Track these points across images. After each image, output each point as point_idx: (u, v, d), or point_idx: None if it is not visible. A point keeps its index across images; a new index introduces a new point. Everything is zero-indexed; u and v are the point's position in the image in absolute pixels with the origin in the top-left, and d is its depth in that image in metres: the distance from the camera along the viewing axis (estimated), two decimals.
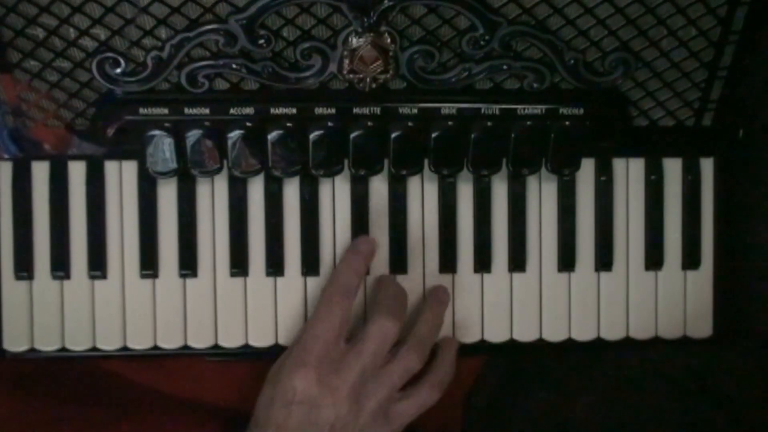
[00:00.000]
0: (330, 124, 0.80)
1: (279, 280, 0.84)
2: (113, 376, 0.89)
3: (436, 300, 0.84)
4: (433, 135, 0.81)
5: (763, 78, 0.83)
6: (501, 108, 0.81)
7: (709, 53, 0.80)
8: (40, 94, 0.78)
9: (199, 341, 0.85)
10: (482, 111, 0.81)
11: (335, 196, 0.84)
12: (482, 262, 0.86)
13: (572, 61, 0.79)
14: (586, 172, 0.86)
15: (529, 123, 0.82)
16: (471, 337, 0.87)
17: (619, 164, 0.87)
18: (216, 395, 0.90)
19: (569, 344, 0.88)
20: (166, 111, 0.79)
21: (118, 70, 0.77)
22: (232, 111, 0.80)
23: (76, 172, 0.83)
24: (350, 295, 0.79)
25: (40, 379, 0.87)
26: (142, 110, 0.79)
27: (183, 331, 0.84)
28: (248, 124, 0.80)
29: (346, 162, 0.82)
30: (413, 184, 0.85)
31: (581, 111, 0.82)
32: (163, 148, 0.79)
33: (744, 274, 0.89)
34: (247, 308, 0.84)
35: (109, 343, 0.84)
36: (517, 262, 0.86)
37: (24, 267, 0.83)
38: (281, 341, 0.84)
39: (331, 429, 0.74)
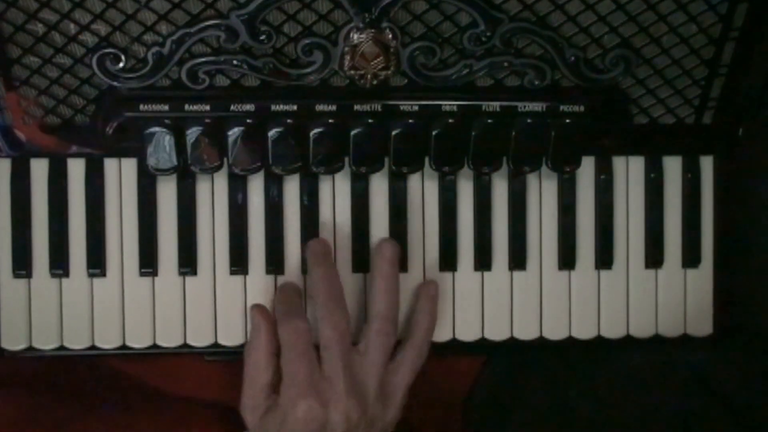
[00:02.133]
0: (330, 121, 0.80)
1: (279, 278, 0.84)
2: (113, 374, 0.89)
3: (379, 266, 0.83)
4: (434, 132, 0.81)
5: (764, 76, 0.83)
6: (502, 105, 0.81)
7: (709, 50, 0.80)
8: (39, 90, 0.78)
9: (199, 340, 0.84)
10: (483, 108, 0.81)
11: (335, 193, 0.84)
12: (482, 260, 0.86)
13: (573, 58, 0.79)
14: (587, 170, 0.86)
15: (529, 120, 0.81)
16: (471, 335, 0.87)
17: (619, 162, 0.87)
18: (215, 394, 0.89)
19: (569, 342, 0.87)
20: (166, 108, 0.79)
21: (119, 66, 0.76)
22: (232, 108, 0.79)
23: (76, 169, 0.82)
24: (301, 313, 0.80)
25: (40, 378, 0.87)
26: (142, 107, 0.79)
27: (182, 329, 0.84)
28: (249, 121, 0.79)
29: (346, 159, 0.82)
30: (414, 182, 0.85)
31: (582, 108, 0.82)
32: (163, 145, 0.79)
33: (744, 272, 0.89)
34: (246, 306, 0.84)
35: (108, 342, 0.84)
36: (518, 260, 0.86)
37: (22, 265, 0.82)
38: None
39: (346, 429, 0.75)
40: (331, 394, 0.75)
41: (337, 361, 0.76)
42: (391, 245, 0.82)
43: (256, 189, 0.83)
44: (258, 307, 0.81)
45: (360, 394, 0.76)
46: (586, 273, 0.87)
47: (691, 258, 0.88)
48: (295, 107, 0.80)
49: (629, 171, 0.87)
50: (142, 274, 0.83)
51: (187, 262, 0.83)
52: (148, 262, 0.83)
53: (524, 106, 0.81)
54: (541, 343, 0.87)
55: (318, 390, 0.75)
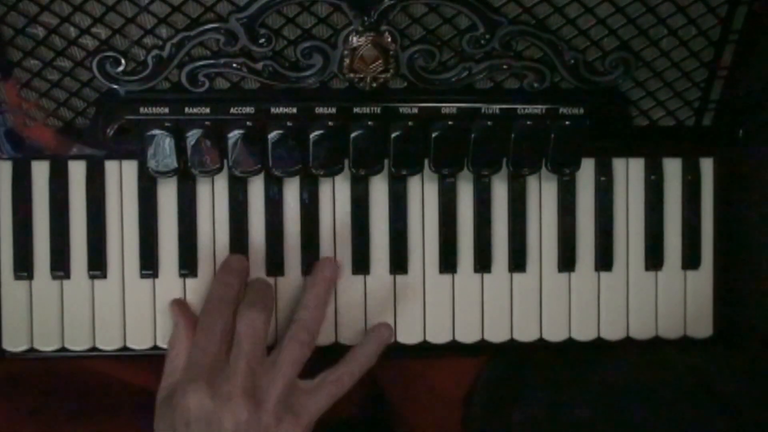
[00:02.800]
0: (330, 123, 0.80)
1: (279, 279, 0.84)
2: (113, 377, 0.89)
3: (316, 281, 0.82)
4: (433, 135, 0.81)
5: (763, 78, 0.83)
6: (501, 107, 0.81)
7: (709, 53, 0.80)
8: (40, 92, 0.78)
9: None
10: (482, 110, 0.81)
11: (335, 196, 0.84)
12: (482, 262, 0.86)
13: (572, 61, 0.79)
14: (586, 172, 0.86)
15: (529, 122, 0.82)
16: (471, 337, 0.87)
17: (619, 164, 0.87)
18: None
19: (569, 344, 0.88)
20: (166, 110, 0.79)
21: (119, 69, 0.77)
22: (232, 110, 0.79)
23: (76, 171, 0.83)
24: (227, 305, 0.78)
25: (40, 381, 0.87)
26: (142, 109, 0.79)
27: None
28: (248, 123, 0.80)
29: (346, 162, 0.82)
30: (413, 184, 0.85)
31: (581, 111, 0.82)
32: (163, 148, 0.79)
33: (744, 274, 0.89)
34: None
35: (108, 343, 0.84)
36: (518, 262, 0.86)
37: (24, 267, 0.83)
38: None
39: None
40: (225, 390, 0.73)
41: (241, 359, 0.74)
42: (332, 263, 0.83)
43: (256, 191, 0.84)
44: (176, 302, 0.82)
45: (257, 399, 0.74)
46: (586, 275, 0.87)
47: (691, 260, 0.88)
48: (294, 110, 0.80)
49: (629, 173, 0.87)
50: (142, 276, 0.84)
51: (188, 264, 0.84)
52: (149, 264, 0.83)
53: (524, 109, 0.81)
54: (541, 344, 0.87)
55: (213, 381, 0.73)
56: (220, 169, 0.81)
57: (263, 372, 0.75)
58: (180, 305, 0.81)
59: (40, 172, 0.83)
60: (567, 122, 0.82)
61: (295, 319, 0.79)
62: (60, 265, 0.83)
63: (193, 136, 0.80)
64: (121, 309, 0.84)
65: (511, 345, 0.87)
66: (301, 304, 0.80)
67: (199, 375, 0.74)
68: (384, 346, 0.82)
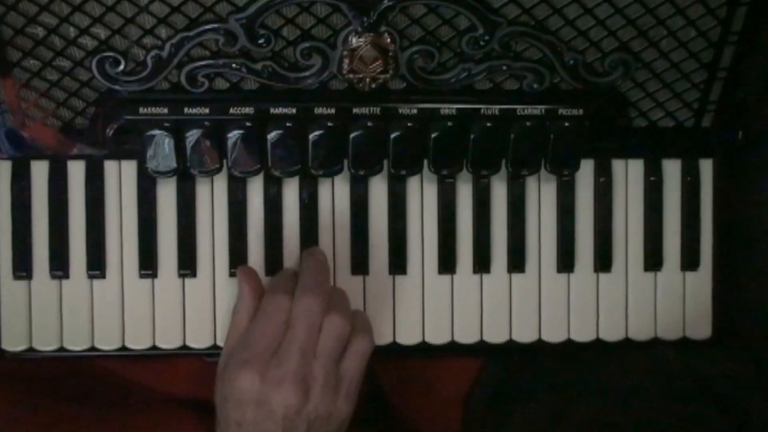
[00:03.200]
0: (329, 124, 0.80)
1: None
2: (112, 376, 0.89)
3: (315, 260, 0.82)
4: (433, 135, 0.81)
5: (763, 79, 0.83)
6: (500, 108, 0.81)
7: (708, 54, 0.80)
8: (39, 92, 0.78)
9: (198, 341, 0.85)
10: (482, 111, 0.81)
11: (335, 196, 0.84)
12: (481, 263, 0.86)
13: (572, 62, 0.79)
14: (586, 173, 0.86)
15: (528, 123, 0.82)
16: (470, 337, 0.87)
17: (618, 165, 0.87)
18: (209, 394, 0.89)
19: (568, 345, 0.88)
20: (165, 110, 0.79)
21: (118, 69, 0.77)
22: (231, 111, 0.79)
23: (76, 171, 0.83)
24: (286, 291, 0.77)
25: (38, 379, 0.87)
26: (141, 110, 0.79)
27: (182, 331, 0.84)
28: (248, 123, 0.80)
29: (345, 162, 0.82)
30: (413, 185, 0.85)
31: (581, 112, 0.82)
32: (162, 148, 0.79)
33: (743, 276, 0.89)
34: None
35: (107, 343, 0.84)
36: (517, 262, 0.86)
37: (23, 266, 0.83)
38: None
39: (284, 419, 0.73)
40: (277, 375, 0.73)
41: (295, 344, 0.74)
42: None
43: (255, 192, 0.84)
44: (244, 270, 0.81)
45: (306, 383, 0.73)
46: (585, 276, 0.87)
47: (690, 261, 0.88)
48: (294, 110, 0.80)
49: (628, 174, 0.87)
50: (141, 276, 0.84)
51: (187, 264, 0.84)
52: (148, 264, 0.83)
53: (523, 110, 0.81)
54: (540, 345, 0.87)
55: (265, 364, 0.73)
56: (219, 170, 0.81)
57: (314, 356, 0.75)
58: (246, 272, 0.81)
59: (40, 171, 0.83)
60: (566, 123, 0.82)
61: (330, 302, 0.78)
62: (59, 265, 0.83)
63: (192, 136, 0.80)
64: (120, 309, 0.84)
65: (510, 346, 0.87)
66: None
67: (253, 357, 0.74)
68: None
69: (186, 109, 0.79)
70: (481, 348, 0.87)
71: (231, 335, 0.78)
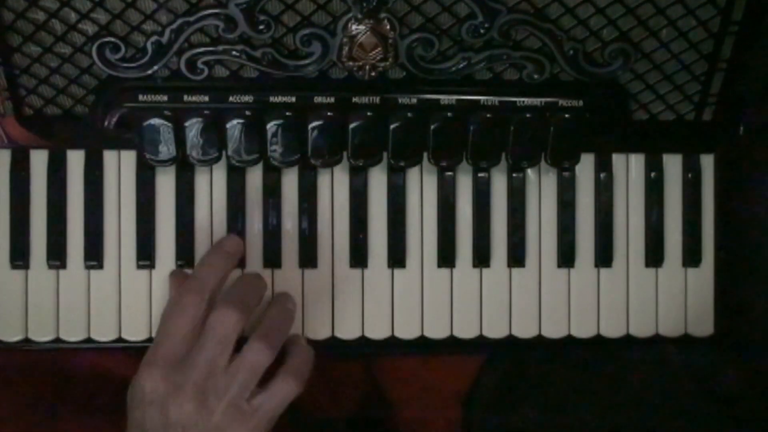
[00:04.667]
0: (329, 113, 0.80)
1: (276, 272, 0.84)
2: (108, 369, 0.88)
3: (283, 296, 0.82)
4: (432, 126, 0.81)
5: (764, 72, 0.83)
6: (500, 100, 0.81)
7: (708, 45, 0.80)
8: (39, 79, 0.78)
9: None
10: (481, 102, 0.81)
11: (334, 187, 0.84)
12: (481, 257, 0.85)
13: (572, 52, 0.79)
14: (586, 168, 0.86)
15: (528, 115, 0.81)
16: (469, 332, 0.86)
17: (619, 160, 0.87)
18: None
19: (569, 341, 0.87)
20: (165, 98, 0.79)
21: (118, 56, 0.77)
22: (231, 99, 0.80)
23: (75, 161, 0.83)
24: (204, 291, 0.76)
25: (35, 372, 0.86)
26: (141, 97, 0.79)
27: None
28: (247, 112, 0.80)
29: (344, 153, 0.81)
30: (412, 176, 0.85)
31: (581, 103, 0.82)
32: (162, 137, 0.79)
33: (745, 272, 0.88)
34: None
35: (104, 334, 0.83)
36: (517, 257, 0.86)
37: (20, 256, 0.82)
38: None
39: (183, 429, 0.71)
40: (178, 380, 0.72)
41: (201, 355, 0.73)
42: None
43: (254, 181, 0.83)
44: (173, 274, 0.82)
45: (208, 397, 0.72)
46: (586, 271, 0.87)
47: (691, 257, 0.87)
48: (293, 99, 0.80)
49: (629, 169, 0.87)
50: (139, 267, 0.83)
51: (185, 255, 0.83)
52: (146, 255, 0.83)
53: (523, 101, 0.81)
54: (540, 341, 0.87)
55: (170, 368, 0.72)
56: (218, 159, 0.81)
57: (222, 373, 0.73)
58: (177, 276, 0.81)
59: (39, 161, 0.82)
60: (566, 115, 0.82)
61: (260, 327, 0.77)
62: (56, 255, 0.82)
63: (191, 124, 0.80)
64: (117, 300, 0.83)
65: (510, 341, 0.86)
66: (266, 313, 0.79)
67: (158, 358, 0.73)
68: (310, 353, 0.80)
69: (186, 97, 0.79)
70: (481, 343, 0.86)
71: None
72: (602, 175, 0.86)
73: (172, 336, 0.74)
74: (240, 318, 0.74)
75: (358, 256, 0.85)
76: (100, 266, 0.83)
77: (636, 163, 0.87)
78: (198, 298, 0.75)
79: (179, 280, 0.81)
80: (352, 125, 0.80)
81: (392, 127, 0.81)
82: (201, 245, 0.83)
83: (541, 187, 0.86)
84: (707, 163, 0.87)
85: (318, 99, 0.80)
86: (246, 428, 0.73)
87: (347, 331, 0.85)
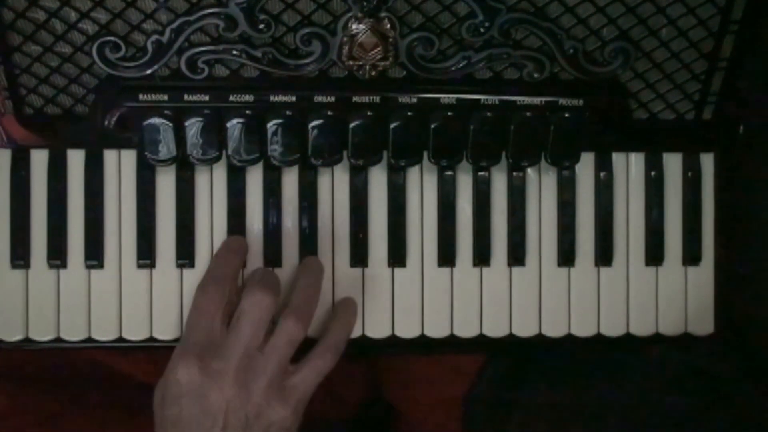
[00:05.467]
0: (329, 112, 0.80)
1: (276, 271, 0.84)
2: (104, 368, 0.88)
3: (309, 269, 0.82)
4: (432, 125, 0.81)
5: (764, 71, 0.83)
6: (500, 99, 0.81)
7: (708, 43, 0.80)
8: (40, 78, 0.78)
9: None
10: (482, 101, 0.81)
11: (334, 186, 0.84)
12: (481, 256, 0.85)
13: (572, 50, 0.79)
14: (586, 167, 0.86)
15: (528, 114, 0.81)
16: (469, 331, 0.86)
17: (619, 159, 0.87)
18: None
19: (569, 340, 0.87)
20: (165, 98, 0.79)
21: (119, 55, 0.77)
22: (231, 98, 0.80)
23: (75, 160, 0.82)
24: (224, 282, 0.77)
25: (34, 371, 0.87)
26: (141, 97, 0.79)
27: (179, 322, 0.83)
28: (248, 111, 0.80)
29: (345, 152, 0.81)
30: (412, 176, 0.85)
31: (581, 102, 0.82)
32: (162, 136, 0.79)
33: (745, 271, 0.88)
34: None
35: (104, 334, 0.83)
36: (517, 256, 0.86)
37: (20, 255, 0.82)
38: None
39: (225, 415, 0.72)
40: (217, 368, 0.73)
41: (240, 340, 0.74)
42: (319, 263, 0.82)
43: (254, 181, 0.83)
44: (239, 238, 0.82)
45: (248, 381, 0.73)
46: (586, 270, 0.87)
47: (691, 256, 0.87)
48: (293, 98, 0.80)
49: (629, 168, 0.87)
50: (139, 266, 0.83)
51: (185, 254, 0.83)
52: (146, 254, 0.83)
53: (523, 100, 0.81)
54: (540, 340, 0.86)
55: (205, 357, 0.73)
56: (218, 158, 0.81)
57: (258, 354, 0.74)
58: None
59: (39, 160, 0.82)
60: (566, 114, 0.82)
61: (290, 303, 0.78)
62: (57, 255, 0.82)
63: (192, 124, 0.80)
64: (117, 299, 0.83)
65: (510, 340, 0.86)
66: (295, 288, 0.80)
67: (191, 350, 0.73)
68: (354, 314, 0.82)
69: (186, 97, 0.79)
70: (481, 342, 0.86)
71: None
72: (602, 174, 0.86)
73: (200, 327, 0.75)
74: (273, 300, 0.76)
75: (359, 256, 0.85)
76: (101, 266, 0.83)
77: (636, 162, 0.87)
78: (219, 287, 0.77)
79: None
80: (352, 124, 0.80)
81: (392, 126, 0.81)
82: (201, 245, 0.83)
83: (541, 186, 0.86)
84: (707, 162, 0.87)
85: (318, 98, 0.80)
86: (286, 405, 0.74)
87: None
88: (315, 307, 0.80)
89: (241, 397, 0.72)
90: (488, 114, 0.81)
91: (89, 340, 0.83)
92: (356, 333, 0.84)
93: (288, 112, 0.80)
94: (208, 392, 0.71)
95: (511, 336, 0.86)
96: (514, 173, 0.85)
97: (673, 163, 0.87)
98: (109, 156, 0.83)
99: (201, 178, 0.83)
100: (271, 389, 0.73)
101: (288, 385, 0.75)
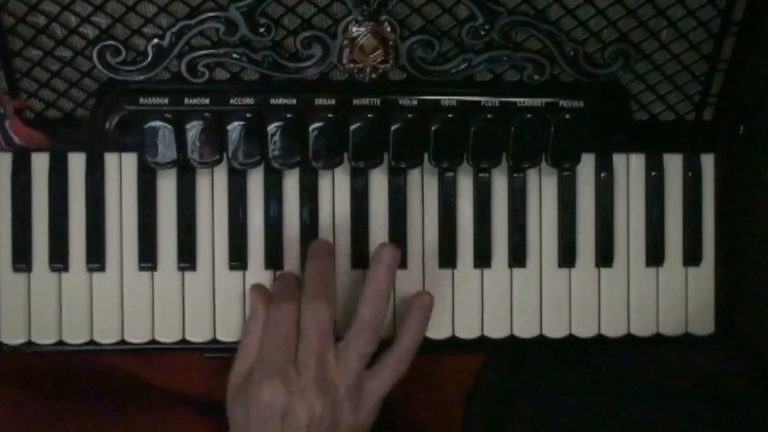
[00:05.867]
0: (330, 115, 0.80)
1: (278, 274, 0.84)
2: (107, 370, 0.88)
3: (375, 274, 0.80)
4: (433, 128, 0.81)
5: (764, 72, 0.83)
6: (501, 101, 0.81)
7: (709, 45, 0.80)
8: (40, 83, 0.78)
9: (198, 335, 0.84)
10: (482, 103, 0.81)
11: (335, 189, 0.84)
12: (482, 257, 0.86)
13: (572, 53, 0.79)
14: (587, 168, 0.86)
15: (528, 116, 0.81)
16: (471, 333, 0.86)
17: (619, 160, 0.87)
18: (208, 389, 0.89)
19: (570, 341, 0.87)
20: (166, 101, 0.79)
21: (119, 59, 0.77)
22: (232, 101, 0.80)
23: (76, 163, 0.83)
24: (297, 298, 0.78)
25: (36, 374, 0.87)
26: (142, 100, 0.79)
27: (181, 324, 0.84)
28: (248, 115, 0.80)
29: (345, 155, 0.82)
30: (413, 178, 0.85)
31: (581, 104, 0.82)
32: (162, 139, 0.79)
33: (746, 271, 0.88)
34: (245, 302, 0.84)
35: (106, 337, 0.83)
36: (518, 257, 0.86)
37: (22, 259, 0.82)
38: None
39: (309, 428, 0.74)
40: (298, 384, 0.74)
41: (311, 352, 0.75)
42: (392, 251, 0.80)
43: (255, 184, 0.83)
44: (257, 288, 0.81)
45: (328, 390, 0.75)
46: (587, 271, 0.87)
47: (692, 256, 0.87)
48: (294, 101, 0.80)
49: (630, 168, 0.87)
50: (141, 269, 0.83)
51: (187, 257, 0.83)
52: (148, 257, 0.83)
53: (523, 102, 0.81)
54: (541, 341, 0.87)
55: (286, 375, 0.74)
56: (219, 161, 0.81)
57: (332, 364, 0.76)
58: (260, 291, 0.81)
59: (40, 164, 0.82)
60: (567, 116, 0.82)
61: (357, 317, 0.78)
62: (58, 258, 0.82)
63: (192, 127, 0.80)
64: (119, 302, 0.83)
65: (511, 341, 0.86)
66: (361, 299, 0.79)
67: (273, 370, 0.74)
68: (429, 313, 0.81)
69: (186, 100, 0.79)
70: (482, 343, 0.86)
71: (243, 354, 0.78)
72: (603, 175, 0.86)
73: (277, 348, 0.76)
74: (329, 307, 0.77)
75: (360, 258, 0.85)
76: (102, 268, 0.83)
77: (636, 162, 0.87)
78: (292, 304, 0.77)
79: (260, 294, 0.81)
80: (352, 127, 0.80)
81: (393, 128, 0.81)
82: (202, 247, 0.83)
83: (542, 188, 0.86)
84: (707, 162, 0.87)
85: (319, 101, 0.80)
86: (364, 410, 0.77)
87: None
88: (385, 315, 0.80)
89: (327, 408, 0.74)
90: (489, 116, 0.81)
91: (91, 342, 0.83)
92: None
93: (288, 115, 0.80)
94: (295, 409, 0.73)
95: (512, 337, 0.86)
96: (515, 175, 0.85)
97: (673, 164, 0.87)
98: (110, 159, 0.83)
99: (202, 181, 0.83)
100: (349, 397, 0.76)
101: (364, 391, 0.77)
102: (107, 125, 0.80)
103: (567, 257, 0.86)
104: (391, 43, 0.77)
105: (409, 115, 0.81)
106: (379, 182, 0.84)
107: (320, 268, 0.80)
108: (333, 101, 0.80)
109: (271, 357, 0.76)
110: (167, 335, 0.84)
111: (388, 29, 0.76)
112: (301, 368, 0.75)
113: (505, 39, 0.78)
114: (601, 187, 0.86)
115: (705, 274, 0.88)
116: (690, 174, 0.87)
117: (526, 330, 0.86)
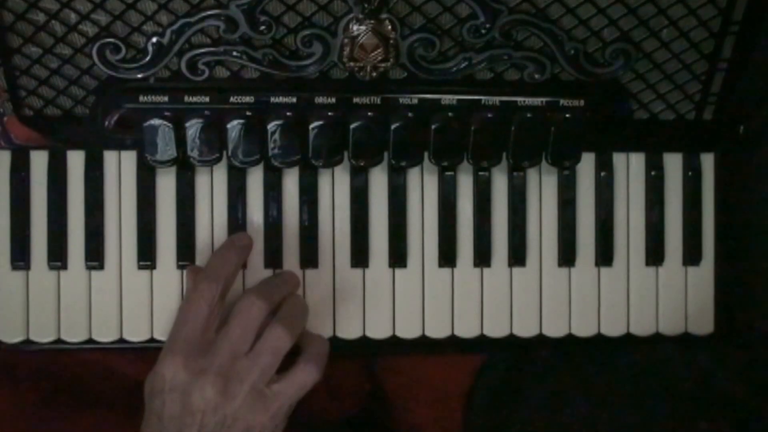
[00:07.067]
0: (330, 114, 0.80)
1: (277, 272, 0.84)
2: (108, 369, 0.88)
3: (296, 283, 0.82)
4: (433, 126, 0.81)
5: (764, 73, 0.83)
6: (501, 100, 0.81)
7: (709, 44, 0.80)
8: (40, 80, 0.78)
9: None
10: (482, 102, 0.81)
11: (335, 187, 0.84)
12: (482, 257, 0.85)
13: (573, 52, 0.79)
14: (587, 167, 0.86)
15: (529, 115, 0.81)
16: (470, 332, 0.86)
17: (619, 159, 0.87)
18: None
19: (569, 340, 0.87)
20: (165, 99, 0.79)
21: (119, 57, 0.77)
22: (232, 99, 0.79)
23: (75, 161, 0.82)
24: (219, 281, 0.77)
25: (34, 374, 0.87)
26: (142, 98, 0.79)
27: None
28: (248, 113, 0.80)
29: (345, 153, 0.81)
30: (413, 177, 0.85)
31: (582, 103, 0.82)
32: (162, 137, 0.79)
33: (745, 270, 0.88)
34: None
35: (105, 335, 0.83)
36: (517, 256, 0.86)
37: (20, 257, 0.82)
38: None
39: (203, 415, 0.72)
40: (200, 366, 0.73)
41: (226, 341, 0.74)
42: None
43: (255, 182, 0.83)
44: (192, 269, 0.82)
45: (228, 380, 0.73)
46: (587, 270, 0.87)
47: (692, 256, 0.87)
48: (294, 100, 0.80)
49: (630, 167, 0.87)
50: (140, 267, 0.83)
51: (186, 255, 0.83)
52: (147, 255, 0.83)
53: (524, 101, 0.81)
54: (541, 340, 0.87)
55: (190, 355, 0.73)
56: (219, 159, 0.81)
57: (244, 358, 0.75)
58: (193, 270, 0.81)
59: (39, 161, 0.82)
60: (567, 115, 0.82)
61: (279, 313, 0.78)
62: (57, 256, 0.82)
63: (192, 125, 0.79)
64: (118, 300, 0.83)
65: (511, 340, 0.86)
66: (284, 301, 0.80)
67: (178, 347, 0.74)
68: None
69: (186, 98, 0.79)
70: (482, 342, 0.86)
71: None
72: (603, 174, 0.86)
73: (190, 323, 0.75)
74: (265, 307, 0.76)
75: (359, 256, 0.85)
76: (101, 267, 0.83)
77: (636, 162, 0.87)
78: (213, 285, 0.76)
79: (195, 272, 0.81)
80: (353, 125, 0.80)
81: (393, 127, 0.81)
82: (202, 245, 0.83)
83: (542, 187, 0.86)
84: (707, 162, 0.87)
85: (319, 99, 0.80)
86: (266, 413, 0.74)
87: (348, 331, 0.85)
88: (305, 322, 0.80)
89: (221, 399, 0.72)
90: (489, 115, 0.81)
91: (90, 341, 0.83)
92: (357, 333, 0.85)
93: (288, 113, 0.80)
94: (190, 390, 0.72)
95: (511, 336, 0.86)
96: (515, 174, 0.85)
97: (673, 163, 0.87)
98: (110, 157, 0.83)
99: (201, 180, 0.83)
100: (252, 394, 0.74)
101: (270, 392, 0.75)
102: (107, 123, 0.80)
103: (567, 256, 0.86)
104: (391, 41, 0.77)
105: (410, 114, 0.81)
106: (379, 181, 0.84)
107: (286, 274, 0.82)
108: (333, 100, 0.80)
109: (181, 334, 0.75)
110: (166, 334, 0.82)
111: (389, 27, 0.76)
112: (210, 352, 0.74)
113: (506, 38, 0.78)
114: (601, 187, 0.86)
115: (705, 273, 0.88)
116: (690, 173, 0.87)
117: (525, 329, 0.86)
